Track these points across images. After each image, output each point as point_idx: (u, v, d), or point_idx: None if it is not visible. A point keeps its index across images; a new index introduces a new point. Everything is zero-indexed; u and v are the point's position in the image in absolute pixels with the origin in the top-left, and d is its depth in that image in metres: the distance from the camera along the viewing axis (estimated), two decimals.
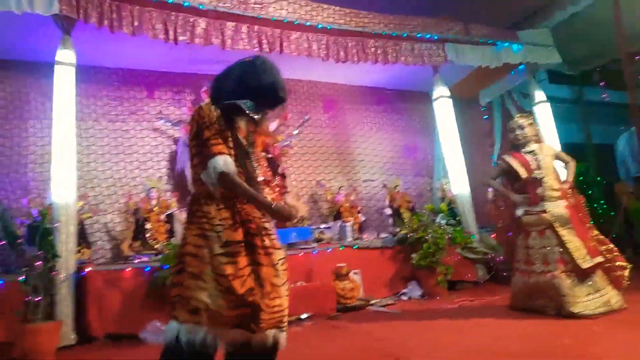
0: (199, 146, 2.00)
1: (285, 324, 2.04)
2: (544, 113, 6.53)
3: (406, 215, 6.03)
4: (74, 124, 4.32)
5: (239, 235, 1.97)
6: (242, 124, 2.13)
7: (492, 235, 5.66)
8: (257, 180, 2.13)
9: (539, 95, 6.63)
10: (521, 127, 3.71)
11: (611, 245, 3.50)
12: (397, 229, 5.59)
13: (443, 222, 5.50)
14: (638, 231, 5.24)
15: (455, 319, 3.66)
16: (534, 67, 6.66)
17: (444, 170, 6.60)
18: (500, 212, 3.94)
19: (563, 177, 3.72)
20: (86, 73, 5.48)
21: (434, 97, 6.18)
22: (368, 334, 3.41)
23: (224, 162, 1.94)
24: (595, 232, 3.57)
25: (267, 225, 2.10)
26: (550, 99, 6.79)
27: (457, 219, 5.71)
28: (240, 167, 2.04)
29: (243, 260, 1.95)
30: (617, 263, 3.42)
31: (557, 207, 3.47)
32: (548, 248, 3.43)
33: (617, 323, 3.01)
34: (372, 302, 4.66)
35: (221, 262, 1.92)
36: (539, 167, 3.58)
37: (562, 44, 6.52)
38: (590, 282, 3.31)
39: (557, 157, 3.70)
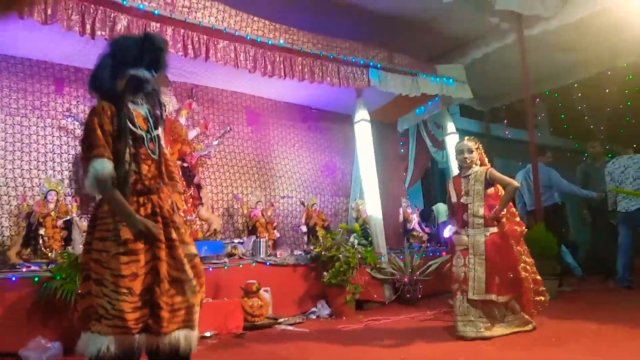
0: (86, 149, 1.99)
1: (194, 322, 2.00)
2: (453, 144, 6.93)
3: (321, 233, 6.07)
4: None
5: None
6: (138, 109, 2.12)
7: (401, 258, 5.87)
8: (157, 163, 2.12)
9: (450, 126, 7.07)
10: (470, 151, 3.73)
11: (542, 288, 3.66)
12: (311, 247, 5.62)
13: (355, 242, 5.60)
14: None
15: (359, 340, 3.71)
16: (448, 100, 7.08)
17: (360, 191, 6.77)
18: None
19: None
20: None
21: (355, 119, 6.34)
22: (272, 354, 3.35)
23: (104, 166, 1.93)
24: (533, 268, 3.66)
25: (175, 218, 2.07)
26: (460, 131, 7.26)
27: (369, 239, 5.85)
28: (134, 155, 2.02)
29: (143, 258, 1.91)
30: (541, 297, 3.62)
31: (477, 235, 3.56)
32: (468, 268, 3.52)
33: (512, 345, 3.21)
34: (280, 320, 4.60)
35: (120, 263, 1.88)
36: (467, 193, 3.67)
37: (474, 81, 7.02)
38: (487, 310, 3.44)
39: (493, 180, 3.66)
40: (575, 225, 8.94)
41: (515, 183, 3.68)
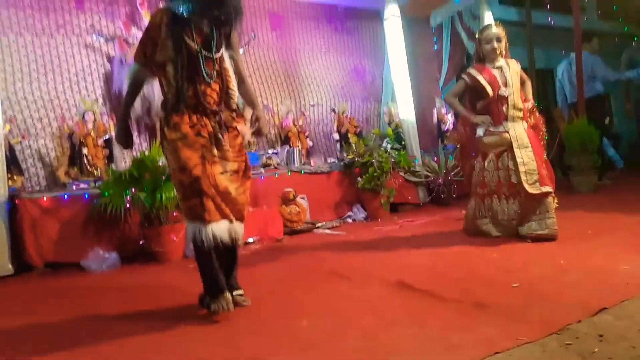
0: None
1: (235, 215, 2.21)
2: None
3: (353, 140, 6.06)
4: None
5: (183, 131, 2.10)
6: (201, 26, 2.12)
7: (435, 159, 5.85)
8: (214, 84, 2.17)
9: (488, 16, 6.59)
10: (499, 39, 3.40)
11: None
12: (345, 154, 5.64)
13: (388, 146, 5.58)
14: (568, 155, 5.54)
15: (395, 239, 3.84)
16: None
17: (392, 94, 6.60)
18: (461, 133, 3.74)
19: None
20: None
21: (385, 16, 6.00)
22: (313, 255, 3.53)
23: (133, 68, 2.21)
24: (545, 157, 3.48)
25: (220, 137, 2.20)
26: (499, 20, 6.76)
27: (402, 143, 5.81)
28: (182, 70, 2.08)
29: (188, 153, 2.08)
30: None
31: (519, 128, 3.36)
32: (501, 171, 3.37)
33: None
34: (318, 225, 4.79)
35: (171, 157, 2.13)
36: (505, 84, 3.38)
37: None
38: (537, 205, 3.25)
39: (521, 75, 3.51)
40: (619, 116, 8.53)
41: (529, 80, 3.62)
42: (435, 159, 5.88)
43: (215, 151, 2.16)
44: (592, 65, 6.00)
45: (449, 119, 6.85)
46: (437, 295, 2.25)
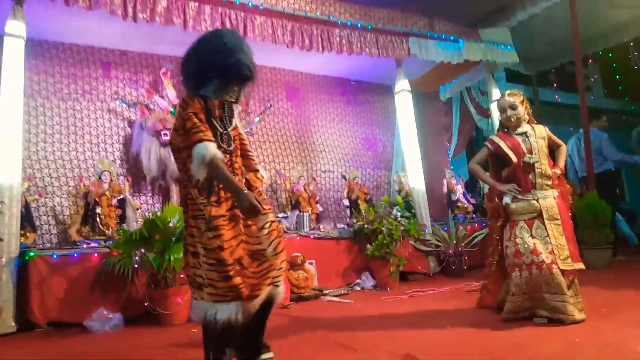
0: (185, 136, 2.14)
1: (278, 280, 2.24)
2: None
3: (363, 206, 6.10)
4: (22, 100, 4.12)
5: (222, 209, 2.12)
6: (217, 105, 2.27)
7: (446, 229, 5.83)
8: (230, 155, 2.27)
9: (496, 93, 6.81)
10: (513, 107, 3.25)
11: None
12: (354, 220, 5.66)
13: (398, 214, 5.60)
14: (581, 228, 5.49)
15: (403, 310, 3.75)
16: (492, 65, 6.82)
17: (402, 163, 6.71)
18: (491, 202, 3.45)
19: None
20: (38, 47, 5.26)
21: (395, 90, 6.24)
22: (319, 322, 3.45)
23: (210, 148, 2.07)
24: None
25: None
26: (517, 89, 6.98)
27: (412, 211, 5.82)
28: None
29: (229, 233, 2.11)
30: None
31: (549, 197, 3.13)
32: (536, 238, 3.06)
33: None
34: (326, 292, 4.71)
35: (208, 237, 2.08)
36: (530, 151, 3.19)
37: (520, 44, 6.71)
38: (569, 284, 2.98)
39: (549, 140, 3.31)
40: (632, 192, 8.53)
41: (565, 145, 3.42)
42: (446, 228, 5.86)
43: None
44: (599, 142, 6.09)
45: (459, 189, 6.90)
46: None
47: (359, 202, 6.30)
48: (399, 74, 6.15)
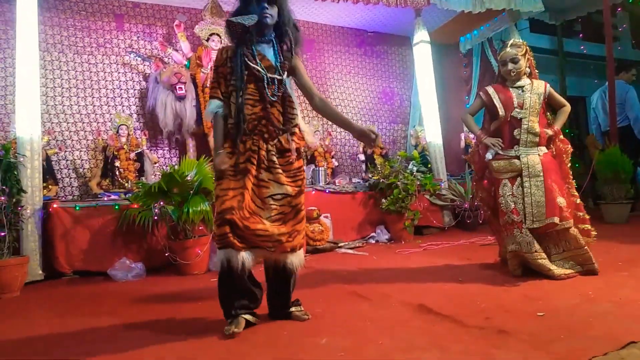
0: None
1: (273, 247, 2.24)
2: None
3: (379, 161, 6.08)
4: (37, 54, 4.12)
5: (231, 161, 2.19)
6: (264, 52, 2.25)
7: (461, 184, 5.80)
8: (274, 104, 2.25)
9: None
10: (514, 61, 3.13)
11: (584, 214, 3.17)
12: (370, 175, 5.66)
13: (414, 168, 5.57)
14: (600, 183, 5.41)
15: (418, 262, 3.80)
16: (516, 15, 6.54)
17: (420, 118, 6.61)
18: (474, 153, 3.50)
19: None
20: (52, 0, 5.18)
21: (414, 41, 6.06)
22: (334, 274, 3.52)
23: (214, 105, 2.24)
24: (574, 192, 3.20)
25: (274, 159, 2.25)
26: (530, 48, 6.73)
27: (428, 166, 5.79)
28: (251, 94, 2.20)
29: (229, 184, 2.17)
30: (583, 226, 3.14)
31: (531, 155, 3.09)
32: (516, 197, 3.08)
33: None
34: (341, 244, 4.78)
35: (215, 185, 2.23)
36: (521, 106, 3.12)
37: None
38: (558, 241, 3.05)
39: (550, 98, 3.22)
40: None
41: (569, 106, 3.28)
42: (462, 183, 5.83)
43: (265, 175, 2.22)
44: (625, 95, 5.89)
45: None
46: (459, 320, 2.21)
47: (375, 156, 6.27)
48: (418, 25, 5.95)
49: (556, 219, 2.98)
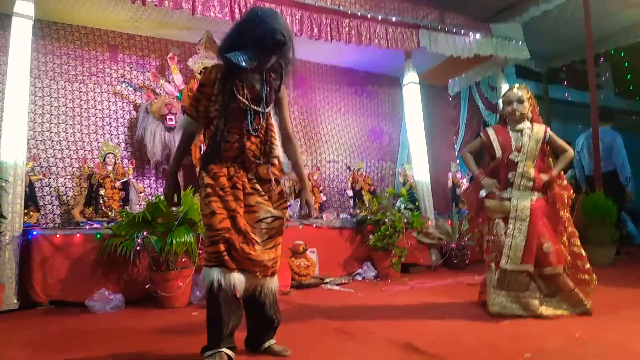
0: None
1: (264, 271, 2.21)
2: None
3: (367, 197, 6.08)
4: (28, 80, 4.12)
5: (220, 182, 2.14)
6: (252, 82, 2.22)
7: (448, 223, 5.81)
8: (254, 137, 2.22)
9: (506, 88, 6.72)
10: (520, 101, 3.16)
11: (585, 264, 3.14)
12: (357, 211, 5.64)
13: (402, 206, 5.58)
14: (586, 227, 5.45)
15: (403, 300, 3.74)
16: (503, 61, 6.75)
17: (408, 156, 6.68)
18: (468, 191, 3.50)
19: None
20: (46, 29, 5.26)
21: (403, 82, 6.19)
22: (319, 310, 3.44)
23: (184, 121, 2.28)
24: (576, 241, 3.15)
25: (257, 186, 2.25)
26: (524, 83, 6.91)
27: (416, 204, 5.80)
28: (233, 124, 2.17)
29: (221, 203, 2.13)
30: (583, 276, 3.12)
31: (522, 198, 3.08)
32: (502, 236, 3.08)
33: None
34: (327, 280, 4.71)
35: (204, 204, 2.15)
36: (519, 149, 3.13)
37: (532, 40, 6.63)
38: (549, 284, 3.02)
39: (550, 143, 3.21)
40: (638, 192, 8.45)
41: (572, 151, 3.28)
42: (449, 222, 5.84)
43: (251, 199, 2.21)
44: (613, 141, 6.03)
45: (464, 183, 6.86)
46: None
47: (363, 193, 6.28)
48: (408, 66, 6.10)
49: (529, 267, 2.99)
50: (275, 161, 2.32)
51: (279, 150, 2.35)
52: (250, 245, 2.16)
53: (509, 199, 3.12)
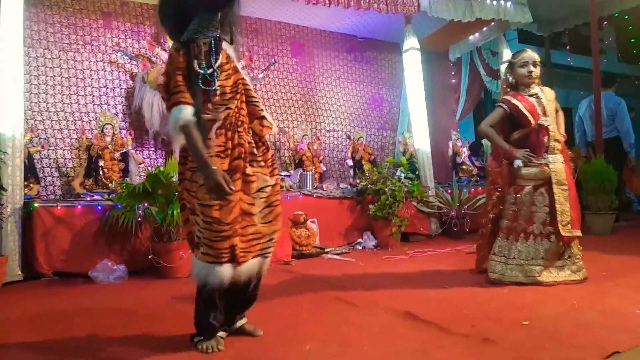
0: (169, 95, 1.95)
1: (268, 250, 2.11)
2: None
3: (367, 167, 6.07)
4: (22, 50, 4.04)
5: (225, 164, 1.96)
6: (205, 46, 1.98)
7: (449, 191, 5.82)
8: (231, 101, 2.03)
9: (507, 54, 6.61)
10: (536, 64, 3.11)
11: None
12: (357, 180, 5.64)
13: (402, 175, 5.56)
14: (586, 193, 5.46)
15: (405, 269, 3.79)
16: (505, 25, 6.61)
17: (408, 124, 6.63)
18: (498, 165, 3.31)
19: None
20: None
21: (404, 48, 6.08)
22: (320, 279, 3.49)
23: (185, 111, 1.89)
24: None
25: (255, 151, 2.10)
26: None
27: (416, 173, 5.79)
28: (207, 102, 1.95)
29: (234, 189, 1.93)
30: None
31: (557, 162, 3.06)
32: (536, 206, 3.05)
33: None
34: (327, 250, 4.75)
35: (205, 192, 1.93)
36: (544, 113, 3.09)
37: (534, 4, 6.47)
38: (565, 249, 3.05)
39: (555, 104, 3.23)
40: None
41: (562, 111, 3.31)
42: (449, 191, 5.85)
43: (249, 169, 2.05)
44: (618, 106, 5.97)
45: (464, 151, 6.84)
46: (444, 328, 2.19)
47: (363, 162, 6.26)
48: (408, 32, 5.97)
49: (579, 232, 3.02)
50: (263, 113, 2.20)
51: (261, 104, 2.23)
52: (251, 219, 2.04)
53: (547, 165, 3.06)
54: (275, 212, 2.14)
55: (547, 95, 3.16)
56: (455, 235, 5.47)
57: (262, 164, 2.13)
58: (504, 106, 3.14)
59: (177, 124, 1.87)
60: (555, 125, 3.14)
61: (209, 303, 2.03)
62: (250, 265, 2.04)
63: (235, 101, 2.05)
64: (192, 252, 2.09)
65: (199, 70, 1.95)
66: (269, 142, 2.26)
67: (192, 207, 2.00)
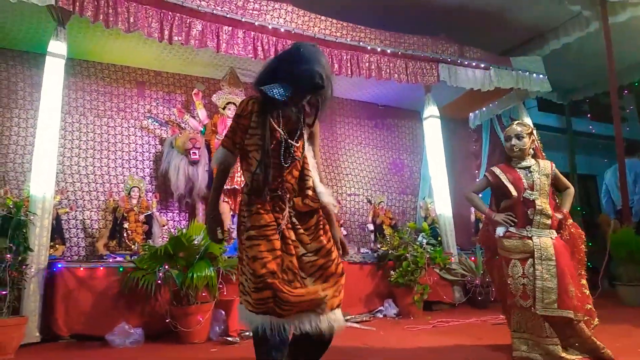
0: None
1: (319, 308, 2.05)
2: None
3: (388, 232, 6.02)
4: (59, 116, 4.27)
5: (264, 220, 2.07)
6: (289, 114, 2.15)
7: (472, 259, 5.69)
8: (291, 169, 2.17)
9: (528, 122, 6.68)
10: (519, 137, 3.11)
11: (589, 306, 3.01)
12: (378, 245, 5.58)
13: (424, 241, 5.50)
14: (615, 263, 5.27)
15: (428, 341, 3.64)
16: (524, 93, 6.74)
17: (429, 190, 6.63)
18: (484, 232, 3.38)
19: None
20: (77, 66, 5.49)
21: (424, 116, 6.21)
22: (340, 349, 3.37)
23: (220, 154, 2.17)
24: (583, 282, 3.07)
25: (294, 220, 2.19)
26: (537, 126, 6.84)
27: (438, 239, 5.71)
28: (270, 158, 2.10)
29: (266, 245, 2.04)
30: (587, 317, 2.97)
31: (544, 237, 2.97)
32: (527, 279, 2.92)
33: None
34: (347, 317, 4.62)
35: (246, 246, 2.08)
36: (532, 187, 3.06)
37: (553, 73, 6.62)
38: (566, 329, 2.87)
39: (555, 179, 3.16)
40: None
41: (573, 188, 3.24)
42: (473, 258, 5.72)
43: (292, 235, 2.13)
44: (636, 174, 5.90)
45: None
46: None
47: (384, 227, 6.22)
48: (428, 100, 6.13)
49: (571, 314, 2.82)
50: (309, 192, 2.24)
51: (313, 181, 2.27)
52: (300, 282, 2.05)
53: (530, 238, 2.99)
54: (327, 273, 2.13)
55: (542, 169, 3.11)
56: (480, 305, 5.28)
57: (302, 231, 2.18)
58: (488, 176, 3.23)
59: (214, 164, 2.22)
60: (545, 200, 3.04)
61: (259, 355, 2.06)
62: (295, 318, 2.02)
63: (276, 169, 2.13)
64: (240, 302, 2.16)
65: (280, 132, 2.14)
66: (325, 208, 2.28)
67: (242, 257, 2.14)
